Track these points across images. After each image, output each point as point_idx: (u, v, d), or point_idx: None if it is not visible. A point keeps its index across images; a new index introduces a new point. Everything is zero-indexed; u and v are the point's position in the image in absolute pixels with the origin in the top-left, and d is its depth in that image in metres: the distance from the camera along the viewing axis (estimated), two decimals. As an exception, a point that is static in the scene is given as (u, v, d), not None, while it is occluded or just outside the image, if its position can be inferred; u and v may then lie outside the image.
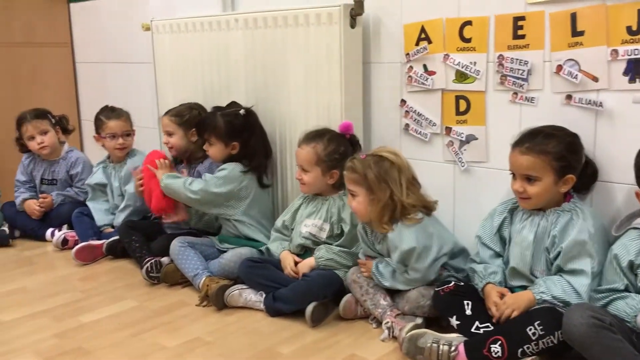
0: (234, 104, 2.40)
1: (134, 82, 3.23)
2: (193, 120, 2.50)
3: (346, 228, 2.09)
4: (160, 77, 2.90)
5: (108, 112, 2.80)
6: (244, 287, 2.14)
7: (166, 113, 2.58)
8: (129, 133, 2.80)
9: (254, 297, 2.11)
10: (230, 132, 2.31)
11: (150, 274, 2.32)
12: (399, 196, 1.84)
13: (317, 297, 1.97)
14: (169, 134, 2.54)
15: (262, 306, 2.08)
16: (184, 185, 2.30)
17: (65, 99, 3.49)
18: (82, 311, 2.12)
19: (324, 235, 2.13)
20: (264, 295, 2.09)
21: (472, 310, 1.75)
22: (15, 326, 2.02)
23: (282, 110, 2.42)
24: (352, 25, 2.19)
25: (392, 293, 1.94)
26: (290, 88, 2.37)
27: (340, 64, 2.20)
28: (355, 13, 2.18)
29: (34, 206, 2.85)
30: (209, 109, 2.63)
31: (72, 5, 3.47)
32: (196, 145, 2.53)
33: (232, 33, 2.53)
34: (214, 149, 2.35)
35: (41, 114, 2.91)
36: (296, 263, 2.12)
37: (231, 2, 2.67)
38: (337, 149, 2.10)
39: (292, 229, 2.23)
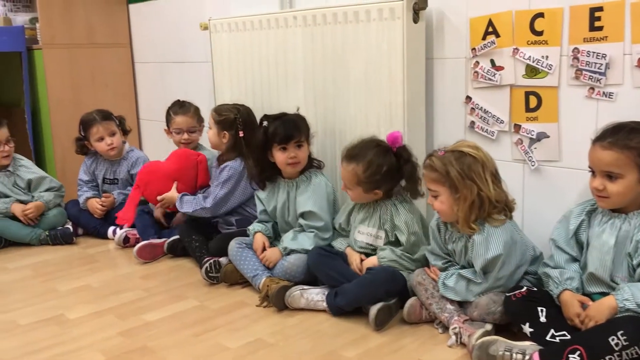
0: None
1: (191, 81, 3.25)
2: (227, 122, 2.49)
3: (402, 237, 2.03)
4: (218, 75, 2.90)
5: (177, 107, 2.84)
6: (306, 287, 2.11)
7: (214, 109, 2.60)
8: (194, 129, 2.83)
9: (315, 297, 2.07)
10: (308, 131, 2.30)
11: (210, 274, 2.32)
12: (486, 192, 1.76)
13: (379, 292, 1.92)
14: (210, 127, 2.57)
15: (324, 305, 2.04)
16: None
17: (124, 99, 3.54)
18: (145, 310, 2.14)
19: (380, 243, 2.09)
20: (326, 294, 2.06)
21: (546, 317, 1.66)
22: (81, 324, 2.04)
23: (342, 108, 2.38)
24: (415, 20, 2.13)
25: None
26: (350, 85, 2.33)
27: (402, 60, 2.14)
28: (418, 7, 2.11)
29: (96, 205, 2.91)
30: (267, 107, 2.64)
31: (131, 6, 3.52)
32: (226, 147, 2.52)
33: (290, 30, 2.50)
34: (305, 151, 2.28)
35: (108, 115, 2.96)
36: (361, 260, 2.09)
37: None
38: (379, 170, 1.99)
39: (349, 230, 2.20)
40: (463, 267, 1.88)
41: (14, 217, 2.84)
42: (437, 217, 1.93)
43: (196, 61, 3.19)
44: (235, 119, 2.49)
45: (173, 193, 2.61)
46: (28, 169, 2.95)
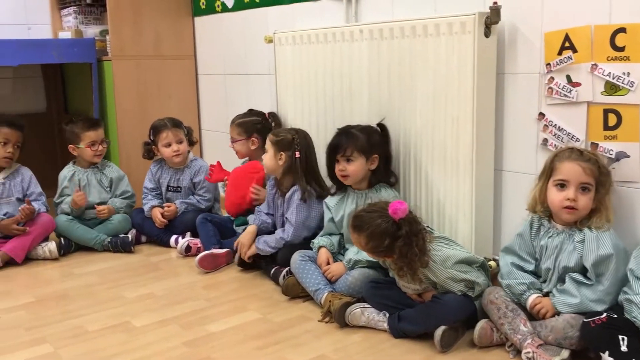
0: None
1: (253, 93, 3.28)
2: (285, 142, 2.48)
3: (455, 288, 1.93)
4: (281, 88, 2.92)
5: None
6: (366, 305, 2.08)
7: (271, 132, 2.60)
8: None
9: (376, 316, 2.04)
10: (372, 145, 2.28)
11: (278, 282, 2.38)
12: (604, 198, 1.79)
13: (448, 321, 1.87)
14: (266, 150, 2.56)
15: (385, 326, 2.01)
16: None
17: (187, 109, 3.61)
18: (208, 320, 2.15)
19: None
20: (387, 315, 2.02)
21: (628, 346, 1.58)
22: (146, 332, 2.07)
23: (408, 122, 2.34)
24: (487, 35, 2.08)
25: (534, 318, 1.81)
26: (417, 100, 2.29)
27: (472, 75, 2.09)
28: (490, 21, 2.07)
29: (158, 215, 2.96)
30: (330, 119, 2.64)
31: (196, 19, 3.59)
32: (283, 170, 2.51)
33: (356, 44, 2.49)
34: (356, 165, 2.27)
35: (178, 123, 3.04)
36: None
37: (354, 13, 2.64)
38: (381, 243, 1.89)
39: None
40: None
41: (81, 220, 2.93)
42: (531, 216, 1.91)
43: (258, 73, 3.22)
44: (293, 140, 2.49)
45: (249, 240, 2.56)
46: (112, 168, 3.10)
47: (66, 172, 3.01)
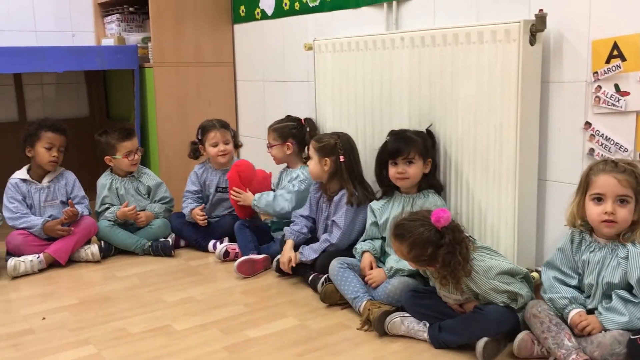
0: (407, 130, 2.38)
1: (291, 99, 3.30)
2: (328, 147, 2.49)
3: (497, 299, 1.90)
4: (320, 94, 2.93)
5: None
6: (406, 314, 2.06)
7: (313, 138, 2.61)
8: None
9: (416, 326, 2.03)
10: (428, 148, 2.29)
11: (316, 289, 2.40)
12: None
13: (490, 332, 1.85)
14: (310, 157, 2.58)
15: (425, 336, 1.99)
16: None
17: (225, 115, 3.62)
18: (247, 325, 2.17)
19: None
20: (427, 325, 2.00)
21: (678, 364, 1.53)
22: (187, 336, 2.10)
23: (448, 130, 2.33)
24: (532, 43, 2.06)
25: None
26: (459, 108, 2.28)
27: (516, 83, 2.07)
28: (536, 29, 2.04)
29: (199, 213, 2.97)
30: (369, 127, 2.64)
31: (236, 26, 3.63)
32: (329, 175, 2.52)
33: (396, 51, 2.49)
34: (416, 168, 2.27)
35: (226, 125, 3.08)
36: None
37: (395, 21, 2.63)
38: (424, 252, 1.86)
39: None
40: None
41: (122, 225, 2.98)
42: (571, 230, 1.87)
43: (296, 80, 3.24)
44: (335, 144, 2.50)
45: (290, 252, 2.55)
46: (149, 176, 3.13)
47: (104, 180, 3.05)
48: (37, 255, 2.73)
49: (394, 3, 2.62)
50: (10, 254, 2.78)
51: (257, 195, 2.77)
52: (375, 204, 2.39)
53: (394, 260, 2.20)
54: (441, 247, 1.84)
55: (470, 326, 1.88)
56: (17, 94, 3.82)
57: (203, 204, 3.05)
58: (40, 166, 2.91)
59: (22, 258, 2.70)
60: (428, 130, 2.36)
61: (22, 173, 2.91)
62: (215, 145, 3.02)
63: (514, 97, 2.08)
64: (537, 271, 2.10)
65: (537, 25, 2.03)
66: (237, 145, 3.15)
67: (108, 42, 3.67)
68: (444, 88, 2.32)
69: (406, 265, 2.12)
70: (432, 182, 2.33)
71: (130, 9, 3.71)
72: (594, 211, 1.77)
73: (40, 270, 2.73)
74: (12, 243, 2.77)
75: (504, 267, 1.93)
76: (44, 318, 2.25)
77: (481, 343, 1.84)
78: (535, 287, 2.04)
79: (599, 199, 1.76)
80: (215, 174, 3.10)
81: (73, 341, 2.06)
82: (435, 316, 1.99)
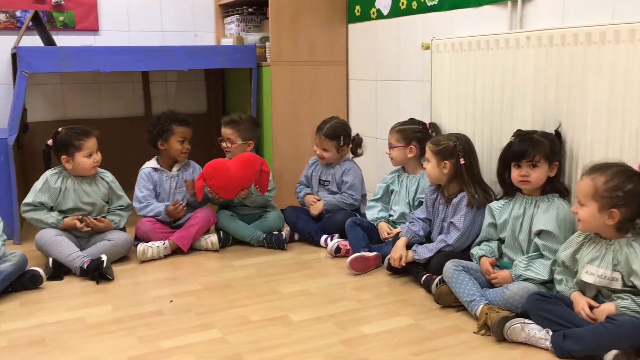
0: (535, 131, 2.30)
1: (403, 99, 3.30)
2: (447, 150, 2.47)
3: None
4: (436, 94, 2.90)
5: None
6: (527, 321, 2.01)
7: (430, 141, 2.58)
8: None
9: (538, 333, 1.96)
10: (555, 152, 2.23)
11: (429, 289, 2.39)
12: None
13: (622, 345, 1.76)
14: (427, 160, 2.56)
15: (547, 345, 1.93)
16: None
17: (336, 113, 3.66)
18: (362, 321, 2.20)
19: (617, 286, 1.90)
20: (550, 333, 1.94)
21: None
22: (304, 327, 2.16)
23: (576, 132, 2.24)
24: (676, 42, 1.94)
25: None
26: (589, 110, 2.18)
27: (657, 85, 1.96)
28: (681, 27, 1.92)
29: (312, 199, 3.15)
30: (487, 128, 2.59)
31: (350, 26, 3.68)
32: (448, 178, 2.48)
33: (521, 51, 2.42)
34: (540, 172, 2.23)
35: (332, 136, 3.09)
36: (591, 308, 1.93)
37: (520, 19, 2.56)
38: (622, 185, 1.85)
39: (573, 270, 2.05)
40: None
41: (239, 217, 3.13)
42: None
43: (410, 80, 3.23)
44: (455, 146, 2.47)
45: (402, 250, 2.56)
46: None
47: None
48: (163, 242, 2.92)
49: (519, 1, 2.55)
50: (138, 239, 2.99)
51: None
52: (495, 204, 2.35)
53: (523, 267, 2.16)
54: None
55: (600, 336, 1.80)
56: (144, 90, 4.09)
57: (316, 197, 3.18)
58: (170, 157, 3.11)
59: (149, 244, 2.89)
60: (557, 132, 2.28)
61: (153, 163, 3.12)
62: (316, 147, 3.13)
63: (655, 100, 1.97)
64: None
65: (684, 23, 1.91)
66: (355, 154, 3.18)
67: (227, 41, 3.84)
68: (572, 89, 2.24)
69: (536, 274, 2.09)
70: (557, 186, 2.26)
71: (250, 10, 3.86)
72: None
73: (165, 256, 2.92)
74: (142, 229, 2.98)
75: None
76: (171, 301, 2.40)
77: (610, 356, 1.76)
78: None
79: None
80: (321, 167, 3.20)
81: (199, 324, 2.19)
82: (560, 323, 1.92)
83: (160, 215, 2.99)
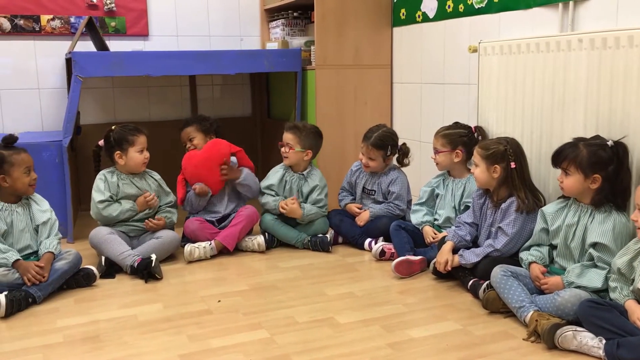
0: (597, 137, 2.23)
1: (449, 102, 3.28)
2: (497, 154, 2.44)
3: None
4: (483, 98, 2.88)
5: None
6: (579, 329, 1.97)
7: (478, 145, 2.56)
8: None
9: (590, 341, 1.93)
10: (594, 163, 2.14)
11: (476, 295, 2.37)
12: None
13: (681, 357, 1.72)
14: (476, 165, 2.53)
15: (600, 353, 1.89)
16: None
17: (380, 116, 3.71)
18: (408, 325, 2.20)
19: None
20: (603, 341, 1.90)
21: None
22: (350, 329, 2.17)
23: (634, 141, 2.18)
24: None
25: None
26: (645, 115, 2.13)
27: None
28: None
29: (354, 209, 3.16)
30: (536, 132, 2.56)
31: (394, 29, 3.68)
32: (498, 182, 2.46)
33: (573, 54, 2.38)
34: (572, 181, 2.19)
35: (379, 145, 3.07)
36: None
37: (571, 22, 2.52)
38: None
39: (631, 277, 2.00)
40: None
41: (284, 220, 3.15)
42: None
43: (455, 83, 3.21)
44: (505, 150, 2.44)
45: (448, 254, 2.54)
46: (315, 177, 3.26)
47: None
48: (209, 242, 2.97)
49: (571, 3, 2.51)
50: (185, 238, 3.05)
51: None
52: (548, 209, 2.31)
53: (576, 275, 2.12)
54: None
55: (657, 347, 1.76)
56: (190, 94, 4.17)
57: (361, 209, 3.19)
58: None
59: (196, 244, 2.95)
60: (617, 142, 2.16)
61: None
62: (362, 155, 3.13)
63: None
64: None
65: None
66: (402, 163, 3.16)
67: (272, 45, 3.89)
68: (628, 93, 2.18)
69: (589, 282, 2.05)
70: (610, 198, 2.16)
71: (295, 14, 3.90)
72: None
73: (212, 257, 2.97)
74: (190, 228, 3.04)
75: None
76: (219, 301, 2.44)
77: (666, 367, 1.71)
78: None
79: None
80: (365, 175, 3.19)
81: (247, 324, 2.22)
82: (614, 331, 1.88)
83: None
